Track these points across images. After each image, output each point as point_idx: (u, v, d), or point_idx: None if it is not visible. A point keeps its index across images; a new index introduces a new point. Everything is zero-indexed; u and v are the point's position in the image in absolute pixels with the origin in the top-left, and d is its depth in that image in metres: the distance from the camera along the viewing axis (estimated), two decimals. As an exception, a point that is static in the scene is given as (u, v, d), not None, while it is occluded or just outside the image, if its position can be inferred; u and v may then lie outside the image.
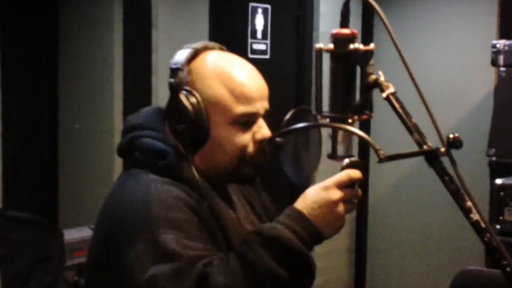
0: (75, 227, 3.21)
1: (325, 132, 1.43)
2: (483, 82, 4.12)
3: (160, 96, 3.30)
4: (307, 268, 1.32)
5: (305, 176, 1.49)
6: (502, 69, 3.56)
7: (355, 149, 1.42)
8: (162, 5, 3.39)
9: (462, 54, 4.26)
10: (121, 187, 1.46)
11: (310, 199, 1.34)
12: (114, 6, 3.33)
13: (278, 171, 1.52)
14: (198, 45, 1.49)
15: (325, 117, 1.38)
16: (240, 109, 1.45)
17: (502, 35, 4.00)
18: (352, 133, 1.34)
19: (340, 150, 1.39)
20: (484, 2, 4.18)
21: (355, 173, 1.35)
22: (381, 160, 1.29)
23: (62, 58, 3.57)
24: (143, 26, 3.38)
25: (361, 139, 1.32)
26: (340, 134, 1.38)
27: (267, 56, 4.09)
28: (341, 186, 1.34)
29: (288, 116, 1.49)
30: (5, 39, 3.23)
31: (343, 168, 1.35)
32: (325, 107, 1.39)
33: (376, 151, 1.29)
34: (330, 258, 4.38)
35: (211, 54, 1.50)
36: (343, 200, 1.34)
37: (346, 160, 1.35)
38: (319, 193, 1.34)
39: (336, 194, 1.33)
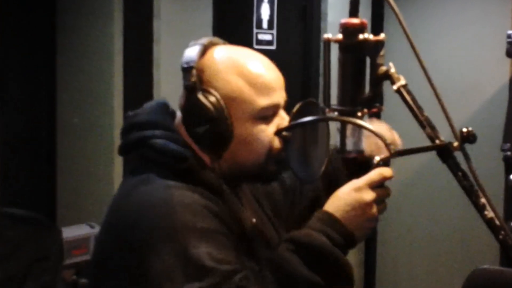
0: (73, 225, 3.22)
1: (333, 126, 1.42)
2: (498, 74, 4.11)
3: (162, 89, 3.30)
4: (344, 274, 1.31)
5: (313, 172, 1.48)
6: (517, 60, 3.55)
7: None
8: (164, -6, 3.39)
9: (476, 45, 4.25)
10: (134, 188, 1.39)
11: (342, 201, 1.33)
12: (114, -5, 3.34)
13: (284, 167, 1.51)
14: (204, 41, 1.47)
15: (334, 110, 1.38)
16: (263, 101, 1.42)
17: (518, 25, 3.99)
18: (362, 127, 1.34)
19: (349, 144, 1.39)
20: (499, -10, 4.18)
21: (387, 172, 1.34)
22: (391, 155, 1.29)
23: (60, 50, 3.57)
24: (144, 16, 3.38)
25: (371, 133, 1.31)
26: (349, 128, 1.38)
27: (273, 47, 4.08)
28: (373, 186, 1.33)
29: (294, 109, 1.48)
30: (1, 30, 3.23)
31: (374, 166, 1.34)
32: (334, 100, 1.39)
33: (387, 145, 1.29)
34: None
35: (220, 49, 1.47)
36: (376, 200, 1.33)
37: (377, 158, 1.34)
38: (351, 194, 1.33)
39: (369, 195, 1.32)
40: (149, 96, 3.30)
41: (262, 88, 1.42)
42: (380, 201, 1.35)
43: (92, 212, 3.37)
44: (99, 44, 3.40)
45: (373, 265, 4.69)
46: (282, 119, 1.46)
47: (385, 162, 1.34)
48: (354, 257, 4.57)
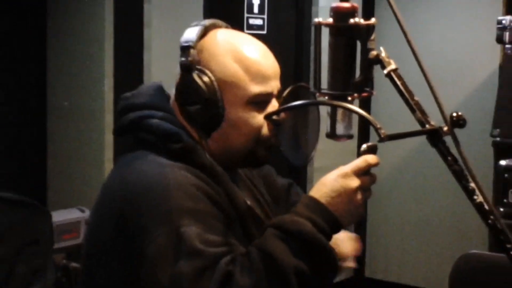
0: (64, 209, 3.21)
1: (324, 111, 1.42)
2: (488, 59, 4.11)
3: (153, 73, 3.29)
4: (329, 261, 1.32)
5: (304, 155, 1.48)
6: (508, 46, 3.55)
7: (355, 128, 1.42)
8: (155, -22, 3.37)
9: (467, 31, 4.25)
10: (127, 166, 1.41)
11: (328, 187, 1.33)
12: (105, -22, 3.32)
13: (275, 150, 1.51)
14: (206, 22, 1.49)
15: (324, 94, 1.38)
16: (256, 88, 1.44)
17: (509, 11, 3.99)
18: (352, 111, 1.34)
19: (340, 128, 1.39)
20: (491, -24, 4.17)
21: (373, 159, 1.34)
22: (382, 140, 1.29)
23: (50, 33, 3.56)
24: (135, -1, 3.37)
25: (361, 117, 1.31)
26: (339, 112, 1.38)
27: (264, 32, 4.07)
28: (359, 173, 1.33)
29: (285, 93, 1.49)
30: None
31: (361, 153, 1.35)
32: (324, 84, 1.39)
33: (377, 130, 1.29)
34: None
35: (222, 32, 1.50)
36: (362, 187, 1.34)
37: (364, 146, 1.34)
38: (337, 181, 1.33)
39: (355, 182, 1.33)
40: (140, 80, 3.29)
41: (256, 75, 1.44)
42: (366, 188, 1.35)
43: (82, 196, 3.37)
44: (89, 28, 3.39)
45: (362, 251, 4.70)
46: (274, 107, 1.48)
47: (371, 149, 1.34)
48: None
